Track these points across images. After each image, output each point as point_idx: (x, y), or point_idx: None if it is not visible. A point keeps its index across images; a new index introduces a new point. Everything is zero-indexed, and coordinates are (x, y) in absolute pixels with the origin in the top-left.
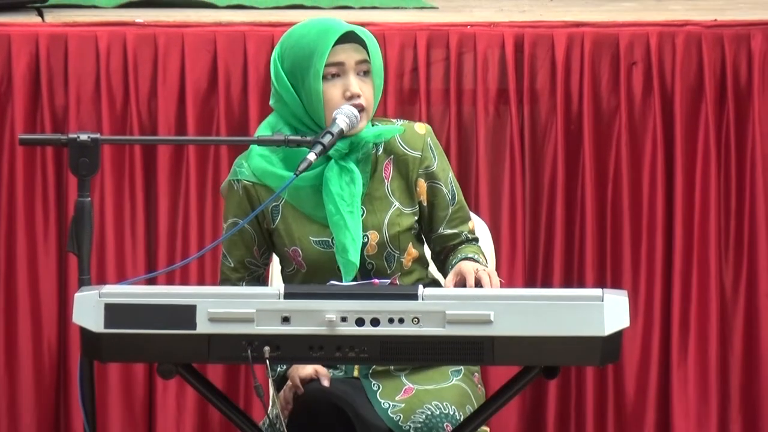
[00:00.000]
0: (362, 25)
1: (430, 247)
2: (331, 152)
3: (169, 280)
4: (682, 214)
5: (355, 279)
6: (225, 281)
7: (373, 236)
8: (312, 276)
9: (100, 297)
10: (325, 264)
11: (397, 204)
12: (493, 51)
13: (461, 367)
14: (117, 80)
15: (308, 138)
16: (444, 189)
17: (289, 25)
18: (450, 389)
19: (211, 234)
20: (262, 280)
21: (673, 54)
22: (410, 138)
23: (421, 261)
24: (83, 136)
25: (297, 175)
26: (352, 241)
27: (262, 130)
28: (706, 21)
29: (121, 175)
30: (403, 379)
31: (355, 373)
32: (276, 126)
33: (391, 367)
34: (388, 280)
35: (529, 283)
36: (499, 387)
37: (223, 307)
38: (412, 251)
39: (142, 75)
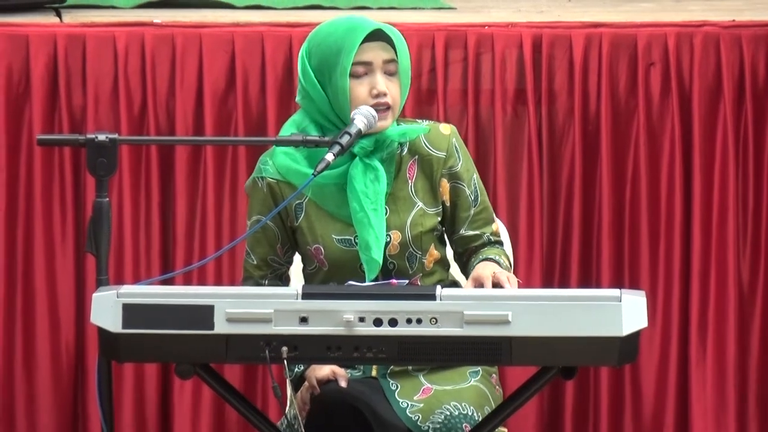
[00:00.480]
0: None
1: (452, 248)
2: (356, 150)
3: (187, 281)
4: (700, 214)
5: (376, 279)
6: (248, 279)
7: (396, 236)
8: (333, 274)
9: (118, 297)
10: (347, 262)
11: (420, 204)
12: (511, 51)
13: (479, 368)
14: (135, 81)
15: (326, 138)
16: (467, 190)
17: (307, 25)
18: (468, 390)
19: (228, 234)
20: (284, 278)
21: (691, 54)
22: (435, 138)
23: (442, 263)
24: (101, 137)
25: (315, 175)
26: (375, 238)
27: (288, 128)
28: (724, 21)
29: (138, 176)
30: (422, 379)
31: (373, 373)
32: (301, 124)
33: (410, 368)
34: (407, 281)
35: (547, 283)
36: (516, 387)
37: (241, 307)
38: (434, 252)
39: (160, 75)
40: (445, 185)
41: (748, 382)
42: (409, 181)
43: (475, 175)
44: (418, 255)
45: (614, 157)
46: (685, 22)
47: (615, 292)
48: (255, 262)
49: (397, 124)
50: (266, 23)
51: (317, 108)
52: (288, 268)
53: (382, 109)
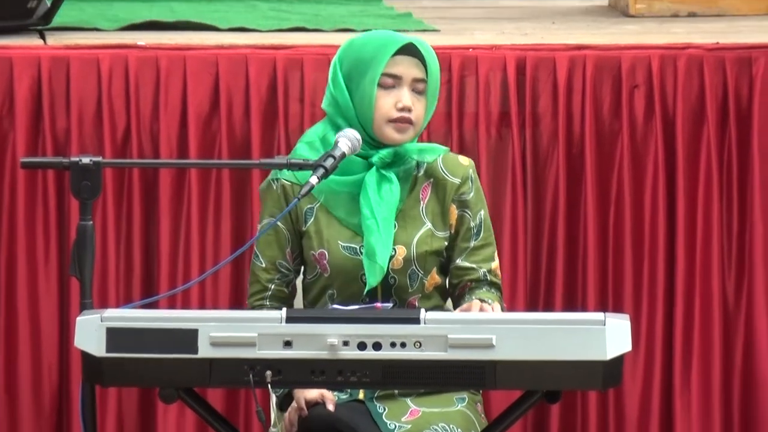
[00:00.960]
0: None
1: (448, 279)
2: (374, 159)
3: (171, 305)
4: (684, 237)
5: (374, 291)
6: (255, 282)
7: (401, 251)
8: (333, 281)
9: (102, 321)
10: (350, 270)
11: (429, 225)
12: (494, 74)
13: (465, 395)
14: (119, 103)
15: (311, 162)
16: (471, 221)
17: (291, 47)
18: (456, 413)
19: (212, 258)
20: (291, 287)
21: (674, 77)
22: (452, 165)
23: (442, 290)
24: (85, 160)
25: (299, 199)
26: (382, 246)
27: (309, 135)
28: (707, 44)
29: (122, 199)
30: (409, 403)
31: (360, 396)
32: (323, 132)
33: (396, 392)
34: (390, 305)
35: (531, 306)
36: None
37: (225, 331)
38: (436, 277)
39: (144, 98)
40: (453, 211)
41: (733, 407)
42: (421, 202)
43: (483, 212)
44: (419, 274)
45: (598, 180)
46: (669, 44)
47: (599, 315)
48: (264, 265)
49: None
50: (250, 45)
51: (342, 114)
52: (295, 277)
53: (401, 122)
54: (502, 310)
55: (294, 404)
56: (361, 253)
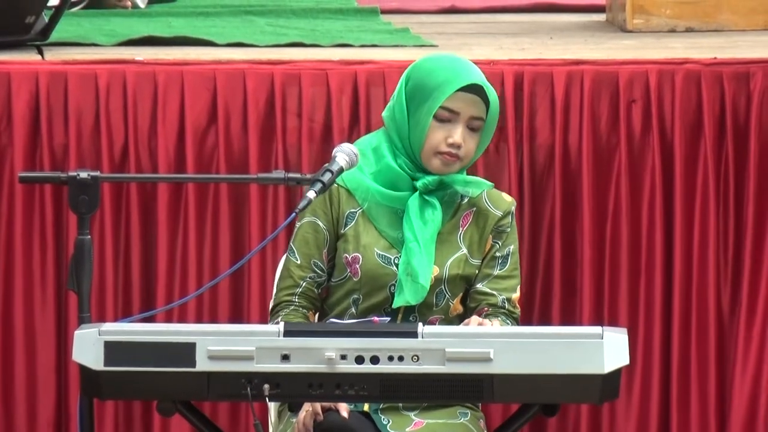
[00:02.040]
0: (361, 62)
1: (468, 303)
2: (418, 184)
3: (168, 319)
4: (680, 251)
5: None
6: (287, 278)
7: (434, 270)
8: (362, 286)
9: (99, 335)
10: (380, 278)
11: (464, 250)
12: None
13: (468, 411)
14: (117, 118)
15: (308, 176)
16: (498, 252)
17: (289, 62)
18: (460, 425)
19: (209, 272)
20: (322, 290)
21: (672, 92)
22: (497, 200)
23: (461, 319)
24: (83, 174)
25: (297, 213)
26: (425, 267)
27: (362, 143)
28: (705, 59)
29: (120, 213)
30: (413, 416)
31: (365, 408)
32: (377, 143)
33: (400, 405)
34: (388, 319)
35: (527, 320)
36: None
37: (222, 344)
38: (458, 306)
39: (142, 113)
40: (489, 241)
41: (729, 416)
42: (460, 228)
43: (513, 246)
44: (447, 296)
45: (595, 195)
46: (667, 59)
47: (596, 329)
48: (299, 261)
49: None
50: (248, 61)
51: (397, 129)
52: (327, 281)
53: (448, 156)
54: None
55: (308, 408)
56: (395, 264)
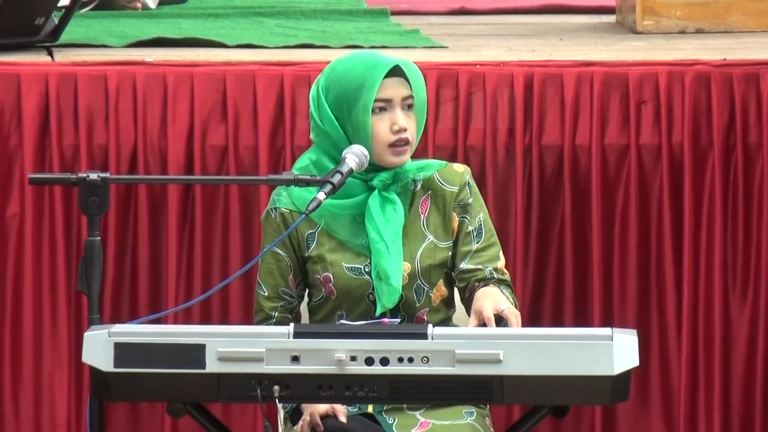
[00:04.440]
0: None
1: (456, 286)
2: (375, 182)
3: (178, 320)
4: (689, 252)
5: (382, 314)
6: (259, 311)
7: (406, 267)
8: (341, 302)
9: (109, 336)
10: (356, 290)
11: (431, 237)
12: (502, 90)
13: (473, 409)
14: (126, 119)
15: (318, 177)
16: (470, 226)
17: (299, 64)
18: (466, 426)
19: (219, 274)
20: (295, 314)
21: (682, 93)
22: (448, 175)
23: (447, 301)
24: (93, 175)
25: (307, 214)
26: (394, 267)
27: (301, 162)
28: (715, 60)
29: (129, 215)
30: (418, 416)
31: (370, 410)
32: (317, 158)
33: (405, 405)
34: (398, 320)
35: (537, 321)
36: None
37: (232, 346)
38: (442, 289)
39: (152, 114)
40: (455, 218)
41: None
42: (422, 216)
43: (482, 214)
44: (425, 288)
45: (605, 195)
46: (677, 60)
47: (606, 330)
48: (266, 294)
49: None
50: (258, 62)
51: (333, 143)
52: (299, 304)
53: (401, 145)
54: (516, 307)
55: (306, 418)
56: (366, 273)
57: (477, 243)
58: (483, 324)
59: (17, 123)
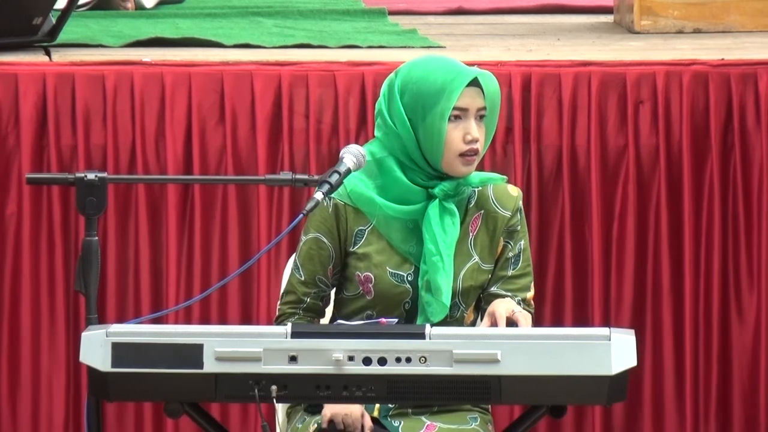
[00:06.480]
0: (369, 64)
1: (481, 306)
2: (436, 191)
3: (176, 320)
4: (689, 252)
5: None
6: (290, 293)
7: None
8: (376, 304)
9: (107, 336)
10: (395, 297)
11: (476, 258)
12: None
13: (477, 415)
14: (124, 119)
15: (315, 177)
16: (511, 252)
17: (296, 64)
18: (471, 431)
19: (218, 273)
20: (325, 300)
21: (680, 93)
22: (503, 196)
23: (472, 324)
24: (90, 175)
25: (305, 214)
26: (447, 283)
27: (369, 150)
28: (713, 60)
29: (128, 214)
30: (424, 419)
31: (375, 414)
32: (380, 157)
33: (409, 410)
34: (396, 320)
35: (537, 321)
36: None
37: (230, 346)
38: (471, 314)
39: (149, 114)
40: (501, 243)
41: (732, 417)
42: (470, 234)
43: (523, 242)
44: (461, 307)
45: (603, 195)
46: (674, 60)
47: (604, 330)
48: (303, 278)
49: None
50: (255, 62)
51: (401, 145)
52: (330, 292)
53: (471, 155)
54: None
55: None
56: (408, 281)
57: (513, 269)
58: (495, 325)
59: (15, 123)
